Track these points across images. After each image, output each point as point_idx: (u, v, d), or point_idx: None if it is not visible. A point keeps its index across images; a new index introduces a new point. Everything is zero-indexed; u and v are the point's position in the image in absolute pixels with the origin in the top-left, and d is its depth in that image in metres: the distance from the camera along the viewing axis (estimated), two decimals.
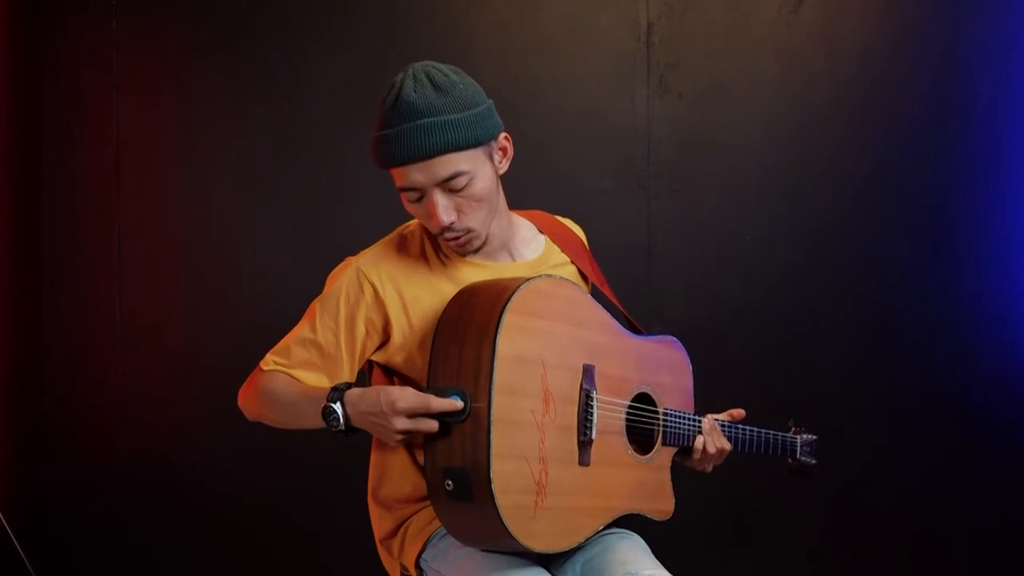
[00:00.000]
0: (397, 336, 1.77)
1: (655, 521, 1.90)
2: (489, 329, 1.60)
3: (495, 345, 1.58)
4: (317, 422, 1.70)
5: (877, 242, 3.15)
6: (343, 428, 1.67)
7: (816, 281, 3.15)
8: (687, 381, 2.03)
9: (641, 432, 1.87)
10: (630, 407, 1.84)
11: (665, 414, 1.90)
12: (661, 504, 1.92)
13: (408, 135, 1.66)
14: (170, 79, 3.15)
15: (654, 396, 1.90)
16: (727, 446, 1.98)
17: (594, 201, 3.09)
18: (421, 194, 1.71)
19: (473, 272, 1.80)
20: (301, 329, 1.80)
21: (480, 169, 1.71)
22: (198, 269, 3.15)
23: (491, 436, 1.56)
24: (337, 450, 2.98)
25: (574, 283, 1.81)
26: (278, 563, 3.13)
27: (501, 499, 1.56)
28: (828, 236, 3.16)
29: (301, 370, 1.78)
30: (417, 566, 1.80)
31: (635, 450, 1.85)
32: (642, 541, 1.81)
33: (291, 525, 3.11)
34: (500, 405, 1.58)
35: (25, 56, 3.10)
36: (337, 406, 1.66)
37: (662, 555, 1.78)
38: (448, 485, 1.59)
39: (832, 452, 3.00)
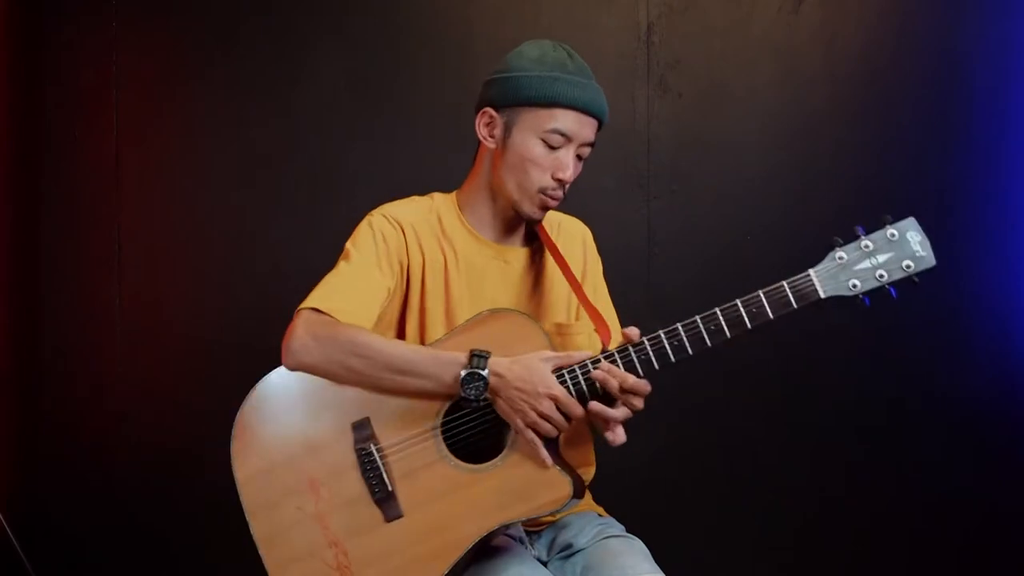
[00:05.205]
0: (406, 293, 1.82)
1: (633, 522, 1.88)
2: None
3: (236, 480, 1.70)
4: (419, 384, 1.65)
5: None
6: (484, 396, 1.62)
7: None
8: (536, 344, 1.69)
9: (490, 434, 1.71)
10: (446, 422, 1.71)
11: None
12: (544, 496, 1.65)
13: (597, 92, 1.78)
14: (170, 79, 3.15)
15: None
16: (637, 388, 1.63)
17: (594, 201, 3.08)
18: (565, 143, 1.78)
19: (475, 247, 1.86)
20: (352, 278, 1.78)
21: None
22: (198, 269, 3.15)
23: (264, 561, 1.66)
24: None
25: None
26: None
27: None
28: (828, 236, 3.14)
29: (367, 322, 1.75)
30: None
31: (486, 458, 1.69)
32: (642, 545, 1.80)
33: None
34: (260, 525, 1.67)
35: (25, 56, 3.10)
36: (485, 372, 1.62)
37: (661, 552, 1.78)
38: None
39: (831, 452, 3.01)
